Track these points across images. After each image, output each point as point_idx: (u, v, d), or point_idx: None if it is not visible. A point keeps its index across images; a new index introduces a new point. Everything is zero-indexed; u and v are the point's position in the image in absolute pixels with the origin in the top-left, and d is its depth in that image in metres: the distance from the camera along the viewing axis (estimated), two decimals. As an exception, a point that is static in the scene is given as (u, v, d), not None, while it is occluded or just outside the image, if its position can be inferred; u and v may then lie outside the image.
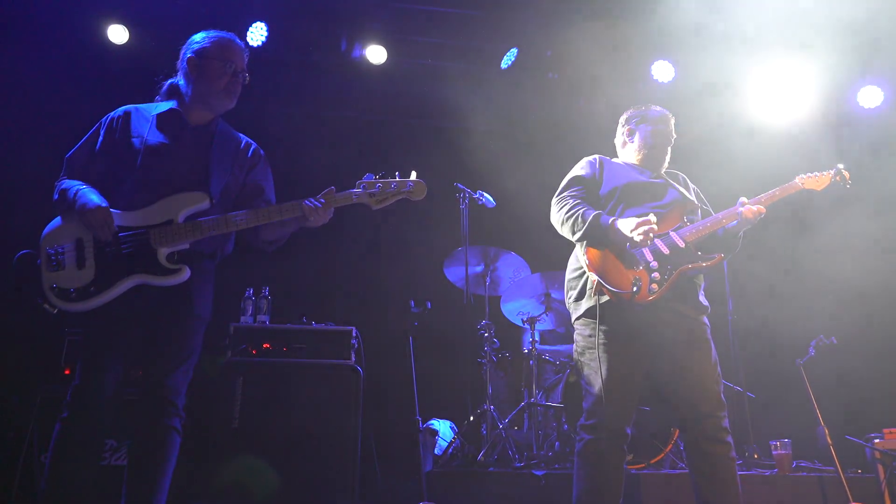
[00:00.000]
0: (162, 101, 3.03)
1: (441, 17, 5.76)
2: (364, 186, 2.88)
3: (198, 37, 2.99)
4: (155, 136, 2.86)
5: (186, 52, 2.97)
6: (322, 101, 6.19)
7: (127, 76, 5.10)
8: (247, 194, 2.98)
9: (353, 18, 5.82)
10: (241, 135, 3.09)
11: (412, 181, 2.91)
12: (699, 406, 2.92)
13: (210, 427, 3.68)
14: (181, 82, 2.99)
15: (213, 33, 2.99)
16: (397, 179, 2.91)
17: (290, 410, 3.74)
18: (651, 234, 2.89)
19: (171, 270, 2.71)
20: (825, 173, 3.31)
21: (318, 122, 6.18)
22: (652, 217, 2.92)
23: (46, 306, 2.65)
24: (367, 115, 6.32)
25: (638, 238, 2.88)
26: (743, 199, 3.10)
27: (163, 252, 2.71)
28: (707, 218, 3.12)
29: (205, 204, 2.79)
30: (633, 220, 2.93)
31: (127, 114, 2.92)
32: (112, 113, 2.94)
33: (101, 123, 2.92)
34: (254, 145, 3.08)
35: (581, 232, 3.03)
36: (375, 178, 2.90)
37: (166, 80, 3.07)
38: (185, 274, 2.72)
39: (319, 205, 2.81)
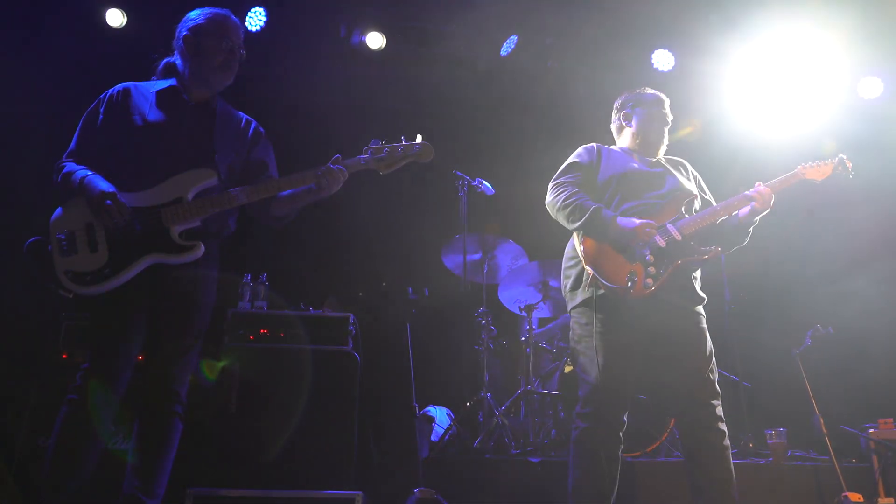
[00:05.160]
0: (159, 80, 3.00)
1: (440, 4, 5.72)
2: (371, 152, 2.85)
3: (193, 14, 2.97)
4: (156, 114, 2.84)
5: (182, 29, 2.94)
6: (320, 87, 6.15)
7: (125, 60, 5.06)
8: (251, 171, 2.97)
9: (352, 4, 5.79)
10: (240, 113, 3.07)
11: (419, 144, 2.87)
12: (694, 395, 2.93)
13: (207, 412, 3.68)
14: (178, 61, 2.97)
15: (207, 10, 2.97)
16: (404, 143, 2.87)
17: (287, 396, 3.74)
18: (648, 239, 2.89)
19: (185, 247, 2.69)
20: (827, 162, 3.24)
21: (316, 107, 6.14)
22: (655, 235, 2.92)
23: (62, 292, 2.62)
24: (365, 102, 6.29)
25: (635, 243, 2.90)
26: (759, 182, 3.07)
27: (175, 230, 2.69)
28: (706, 209, 3.11)
29: (213, 180, 2.78)
30: (635, 221, 2.92)
31: (126, 90, 2.89)
32: (110, 90, 2.90)
33: (99, 100, 2.88)
34: (254, 123, 3.07)
35: (579, 223, 3.01)
36: (382, 143, 2.86)
37: (162, 58, 3.04)
38: (200, 250, 2.71)
39: (334, 168, 2.77)
